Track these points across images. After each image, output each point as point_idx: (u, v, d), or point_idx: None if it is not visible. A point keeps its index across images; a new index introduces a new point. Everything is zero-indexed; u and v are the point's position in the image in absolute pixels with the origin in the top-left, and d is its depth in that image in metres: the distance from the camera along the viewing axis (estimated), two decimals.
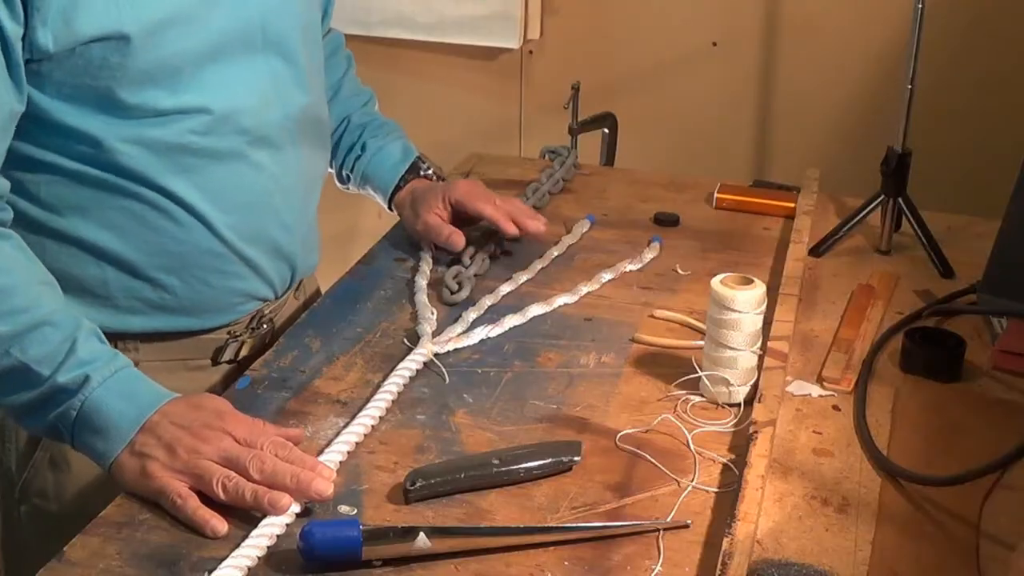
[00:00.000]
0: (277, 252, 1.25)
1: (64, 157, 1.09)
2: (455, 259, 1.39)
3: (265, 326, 1.29)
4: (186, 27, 1.08)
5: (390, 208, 1.49)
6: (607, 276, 1.37)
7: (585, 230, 1.51)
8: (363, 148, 1.47)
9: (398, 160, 1.47)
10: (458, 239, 1.39)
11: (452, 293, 1.32)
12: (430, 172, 1.49)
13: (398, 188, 1.46)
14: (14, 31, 0.99)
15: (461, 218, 1.42)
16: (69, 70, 1.04)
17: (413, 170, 1.47)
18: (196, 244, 1.16)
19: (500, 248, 1.43)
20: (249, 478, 0.94)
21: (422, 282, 1.34)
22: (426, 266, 1.39)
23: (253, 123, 1.17)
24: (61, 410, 0.99)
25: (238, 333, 1.26)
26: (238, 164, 1.17)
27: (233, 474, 0.94)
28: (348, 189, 1.52)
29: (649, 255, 1.43)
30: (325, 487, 0.94)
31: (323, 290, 1.44)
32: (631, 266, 1.40)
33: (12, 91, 1.02)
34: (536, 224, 1.41)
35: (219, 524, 0.92)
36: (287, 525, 0.92)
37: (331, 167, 1.48)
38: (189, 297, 1.18)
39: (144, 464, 0.96)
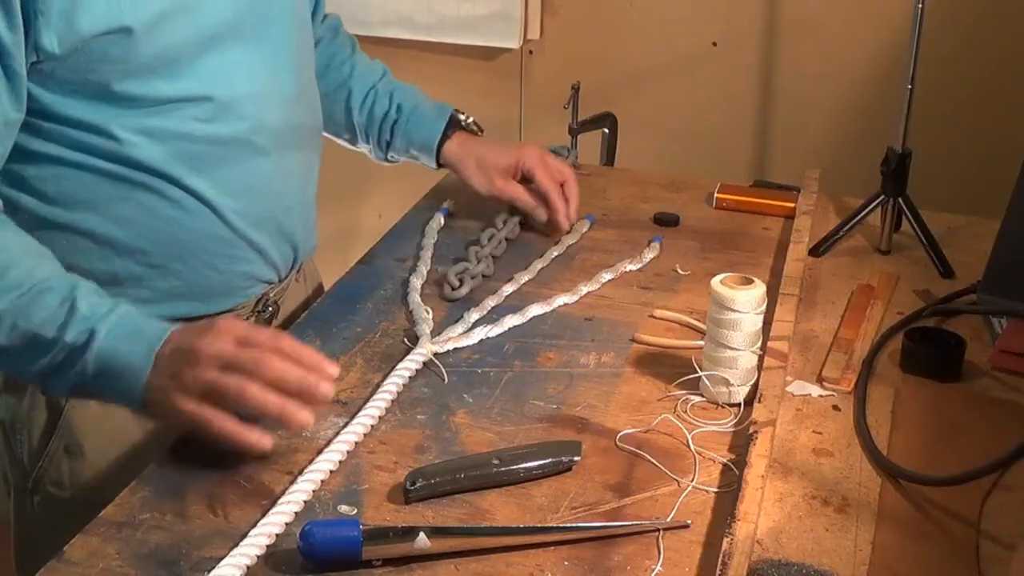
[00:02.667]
0: (280, 234, 1.27)
1: (71, 150, 1.10)
2: (460, 257, 1.39)
3: (271, 309, 1.31)
4: (183, 16, 1.10)
5: (438, 165, 1.51)
6: (607, 276, 1.37)
7: (585, 230, 1.51)
8: (399, 110, 1.49)
9: (435, 116, 1.49)
10: (541, 213, 1.46)
11: (453, 289, 1.32)
12: (471, 123, 1.52)
13: (443, 142, 1.48)
14: (13, 41, 1.00)
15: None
16: (72, 67, 1.05)
17: (453, 124, 1.49)
18: (204, 230, 1.18)
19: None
20: (253, 380, 0.96)
21: (417, 282, 1.34)
22: (423, 266, 1.39)
23: (253, 109, 1.18)
24: (78, 368, 1.01)
25: (245, 316, 1.27)
26: (241, 150, 1.18)
27: (245, 382, 0.96)
28: (392, 159, 1.54)
29: (649, 255, 1.43)
30: (328, 390, 0.98)
31: (326, 286, 1.44)
32: (631, 266, 1.40)
33: (10, 102, 1.03)
34: (565, 222, 1.47)
35: (263, 438, 0.97)
36: (287, 524, 0.92)
37: (367, 142, 1.52)
38: (198, 283, 1.19)
39: (167, 398, 0.98)
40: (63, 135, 1.09)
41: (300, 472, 0.99)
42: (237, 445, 0.97)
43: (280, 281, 1.31)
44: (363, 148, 1.54)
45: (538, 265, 1.40)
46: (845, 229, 1.48)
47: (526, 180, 1.47)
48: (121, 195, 1.13)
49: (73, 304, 1.02)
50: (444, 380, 1.14)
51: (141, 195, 1.13)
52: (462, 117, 1.51)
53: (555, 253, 1.44)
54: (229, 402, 0.97)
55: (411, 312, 1.28)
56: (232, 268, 1.22)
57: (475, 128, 1.53)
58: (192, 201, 1.16)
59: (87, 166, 1.11)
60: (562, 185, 1.47)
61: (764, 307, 1.10)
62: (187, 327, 1.03)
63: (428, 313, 1.26)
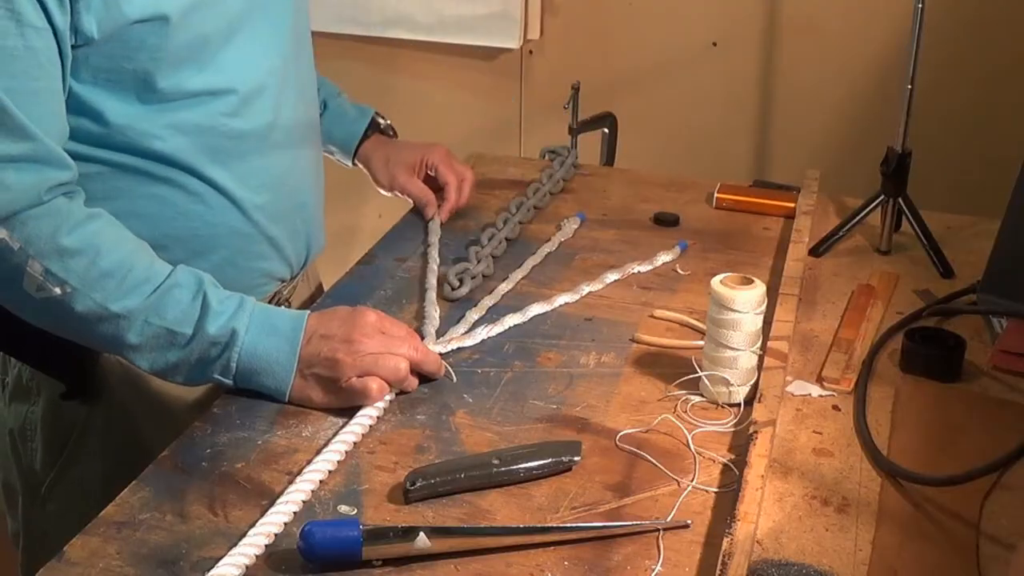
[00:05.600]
0: (296, 230, 1.28)
1: (94, 147, 1.10)
2: (460, 257, 1.39)
3: (283, 307, 1.31)
4: (211, 7, 1.11)
5: (352, 164, 1.56)
6: (612, 277, 1.37)
7: (575, 226, 1.51)
8: (324, 107, 1.51)
9: (356, 116, 1.54)
10: (431, 211, 1.50)
11: (453, 289, 1.32)
12: (388, 127, 1.58)
13: (361, 142, 1.54)
14: (63, 22, 1.01)
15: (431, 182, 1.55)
16: (107, 54, 1.06)
17: (372, 126, 1.55)
18: (227, 226, 1.19)
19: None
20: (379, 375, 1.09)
21: (432, 279, 1.35)
22: (434, 264, 1.39)
23: (271, 103, 1.20)
24: (221, 363, 1.08)
25: None
26: (261, 144, 1.20)
27: (391, 356, 1.09)
28: None
29: (664, 258, 1.42)
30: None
31: (325, 287, 1.44)
32: (639, 268, 1.39)
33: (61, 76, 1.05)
34: (445, 214, 1.51)
35: (414, 381, 1.11)
36: (286, 524, 0.92)
37: None
38: (217, 279, 1.19)
39: (323, 383, 1.08)
40: (88, 131, 1.09)
41: (300, 472, 0.99)
42: (403, 388, 1.11)
43: (292, 279, 1.33)
44: None
45: (531, 262, 1.40)
46: (845, 229, 1.48)
47: (430, 178, 1.54)
48: (143, 190, 1.13)
49: (205, 298, 1.07)
50: (453, 380, 1.14)
51: (163, 189, 1.14)
52: (381, 121, 1.57)
53: (547, 250, 1.44)
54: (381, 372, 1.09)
55: (423, 309, 1.28)
56: (250, 264, 1.23)
57: (391, 132, 1.58)
58: (214, 195, 1.17)
59: (113, 162, 1.11)
60: (461, 182, 1.53)
61: (764, 307, 1.10)
62: (317, 315, 1.11)
63: (437, 312, 1.27)
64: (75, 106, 1.07)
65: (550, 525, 0.93)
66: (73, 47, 1.04)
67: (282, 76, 1.21)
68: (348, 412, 1.08)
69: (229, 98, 1.14)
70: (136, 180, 1.12)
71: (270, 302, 1.29)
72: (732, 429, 1.07)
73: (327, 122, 1.50)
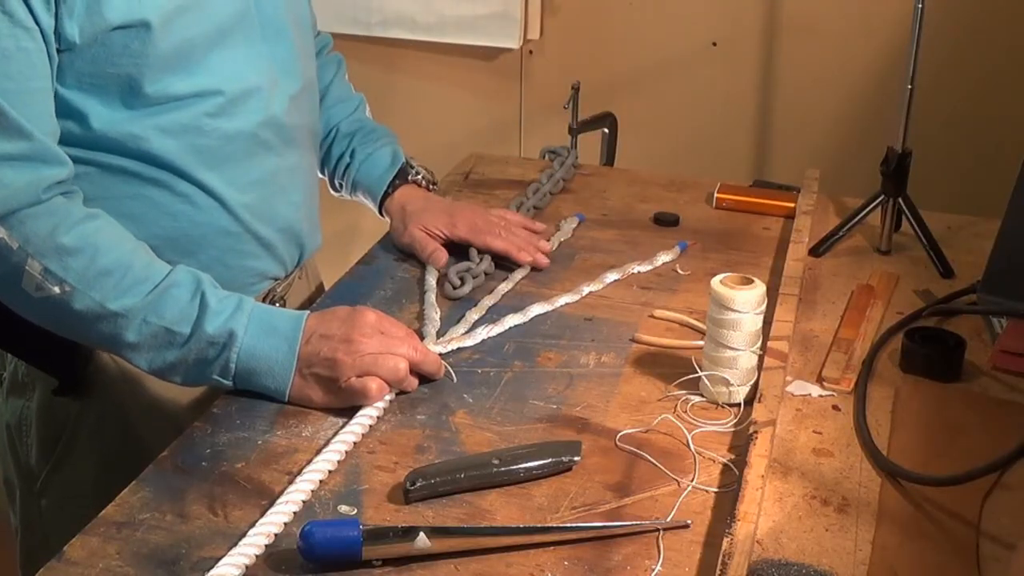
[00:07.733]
0: (287, 230, 1.28)
1: (83, 149, 1.10)
2: (461, 256, 1.39)
3: (278, 305, 1.32)
4: (196, 13, 1.11)
5: (381, 214, 1.48)
6: (612, 277, 1.37)
7: (574, 226, 1.51)
8: (352, 155, 1.47)
9: (387, 167, 1.46)
10: (440, 256, 1.38)
11: (454, 288, 1.32)
12: (419, 177, 1.48)
13: (387, 194, 1.46)
14: (48, 24, 1.02)
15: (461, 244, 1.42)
16: (90, 59, 1.06)
17: (401, 175, 1.46)
18: (213, 225, 1.19)
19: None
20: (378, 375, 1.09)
21: (431, 280, 1.35)
22: (433, 265, 1.39)
23: (260, 104, 1.19)
24: (220, 363, 1.08)
25: None
26: (248, 144, 1.19)
27: (390, 356, 1.09)
28: (342, 196, 1.52)
29: (664, 258, 1.42)
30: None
31: (326, 286, 1.45)
32: (639, 268, 1.40)
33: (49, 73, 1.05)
34: (542, 257, 1.40)
35: (414, 381, 1.11)
36: (286, 524, 0.92)
37: (323, 175, 1.50)
38: None
39: (323, 383, 1.08)
40: (73, 133, 1.09)
41: (300, 472, 0.99)
42: (401, 388, 1.11)
43: (286, 277, 1.32)
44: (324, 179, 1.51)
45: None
46: (845, 229, 1.48)
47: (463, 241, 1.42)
48: (131, 191, 1.13)
49: (203, 298, 1.07)
50: (453, 380, 1.14)
51: (151, 190, 1.14)
52: (412, 170, 1.48)
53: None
54: (380, 372, 1.09)
55: (423, 311, 1.28)
56: (240, 263, 1.23)
57: (424, 181, 1.49)
58: (202, 195, 1.17)
59: (99, 163, 1.11)
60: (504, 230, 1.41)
61: (764, 307, 1.10)
62: (316, 316, 1.11)
63: (437, 313, 1.27)
64: (60, 109, 1.07)
65: (550, 525, 0.93)
66: (57, 51, 1.04)
67: (272, 79, 1.21)
68: (348, 412, 1.08)
69: (215, 99, 1.14)
70: (122, 181, 1.13)
71: (263, 300, 1.29)
72: (732, 429, 1.07)
73: (354, 174, 1.46)
